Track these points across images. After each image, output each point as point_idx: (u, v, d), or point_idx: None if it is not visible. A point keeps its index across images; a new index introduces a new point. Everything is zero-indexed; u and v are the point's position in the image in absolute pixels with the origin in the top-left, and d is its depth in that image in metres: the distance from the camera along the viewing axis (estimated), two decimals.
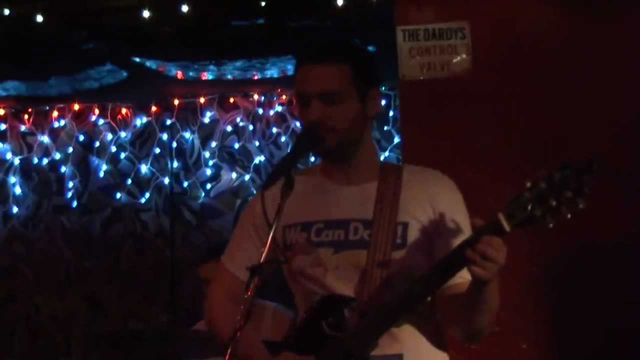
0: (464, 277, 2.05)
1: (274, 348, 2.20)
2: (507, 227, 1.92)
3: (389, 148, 5.72)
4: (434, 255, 2.17)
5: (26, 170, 6.16)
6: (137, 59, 5.13)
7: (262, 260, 1.98)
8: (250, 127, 5.96)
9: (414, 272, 2.13)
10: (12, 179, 6.15)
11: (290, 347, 2.18)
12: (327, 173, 2.31)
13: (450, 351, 2.28)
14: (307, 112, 2.19)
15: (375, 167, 2.31)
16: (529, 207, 1.88)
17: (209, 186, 5.97)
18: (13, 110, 6.16)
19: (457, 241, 2.05)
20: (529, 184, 1.89)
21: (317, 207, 2.27)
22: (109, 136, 6.07)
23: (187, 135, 6.01)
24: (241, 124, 5.98)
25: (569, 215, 1.86)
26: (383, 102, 5.32)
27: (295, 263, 2.25)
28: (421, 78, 3.67)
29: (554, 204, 1.85)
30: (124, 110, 6.07)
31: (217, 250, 3.96)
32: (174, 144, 6.00)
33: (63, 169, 6.10)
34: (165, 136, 6.02)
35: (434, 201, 2.22)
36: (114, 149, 6.07)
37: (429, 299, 2.18)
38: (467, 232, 2.04)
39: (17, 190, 6.14)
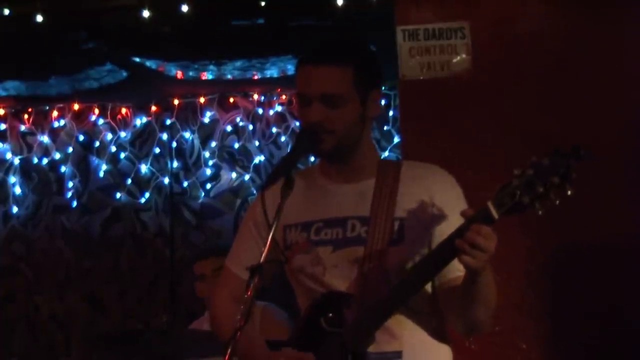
0: (463, 270, 2.04)
1: (276, 346, 2.21)
2: (495, 215, 1.93)
3: (388, 148, 5.71)
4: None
5: (26, 170, 6.15)
6: (137, 59, 5.13)
7: (262, 260, 1.99)
8: (250, 127, 5.95)
9: None
10: (12, 179, 6.13)
11: (291, 344, 2.19)
12: (325, 173, 2.31)
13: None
14: (307, 113, 2.18)
15: (374, 164, 2.30)
16: (517, 194, 1.90)
17: (208, 186, 5.96)
18: (13, 110, 6.14)
19: None
20: (517, 172, 1.90)
21: (317, 207, 2.27)
22: (109, 136, 6.06)
23: (187, 135, 6.00)
24: (241, 123, 5.97)
25: (557, 202, 1.87)
26: (383, 102, 5.31)
27: (295, 262, 2.26)
28: (421, 78, 3.67)
29: (542, 190, 1.86)
30: (123, 110, 6.06)
31: (219, 249, 3.96)
32: (174, 144, 5.99)
33: (63, 168, 6.09)
34: (165, 136, 6.01)
35: (432, 196, 2.21)
36: (113, 148, 6.06)
37: (430, 292, 2.19)
38: None
39: (17, 190, 6.13)
